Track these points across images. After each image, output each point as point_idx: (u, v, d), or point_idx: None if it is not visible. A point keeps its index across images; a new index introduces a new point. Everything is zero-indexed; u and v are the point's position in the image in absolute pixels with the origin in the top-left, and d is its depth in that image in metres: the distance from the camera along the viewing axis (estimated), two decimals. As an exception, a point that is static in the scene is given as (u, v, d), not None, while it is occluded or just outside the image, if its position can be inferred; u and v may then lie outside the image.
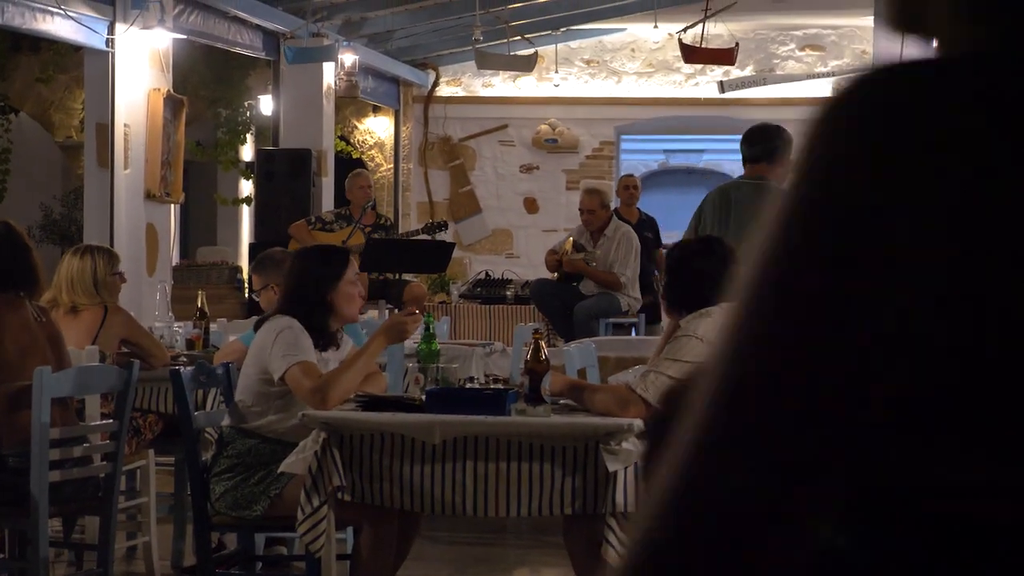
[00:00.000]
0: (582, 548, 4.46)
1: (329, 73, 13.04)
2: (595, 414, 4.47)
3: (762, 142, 6.47)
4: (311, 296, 4.99)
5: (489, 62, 12.56)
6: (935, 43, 0.94)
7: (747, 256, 0.90)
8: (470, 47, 14.15)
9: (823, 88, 15.07)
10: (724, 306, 3.78)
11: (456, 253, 12.47)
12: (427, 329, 5.40)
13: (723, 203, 6.52)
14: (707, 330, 4.53)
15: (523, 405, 4.49)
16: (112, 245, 9.72)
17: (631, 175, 12.64)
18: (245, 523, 4.89)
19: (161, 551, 6.09)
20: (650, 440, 1.26)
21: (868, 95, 0.90)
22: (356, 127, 15.96)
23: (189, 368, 5.09)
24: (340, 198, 13.04)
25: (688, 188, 17.77)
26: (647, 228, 11.49)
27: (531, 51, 12.89)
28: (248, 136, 15.04)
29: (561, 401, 4.74)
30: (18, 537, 5.31)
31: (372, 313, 9.98)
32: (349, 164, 14.92)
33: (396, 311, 10.28)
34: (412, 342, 7.10)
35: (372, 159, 15.88)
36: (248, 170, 14.84)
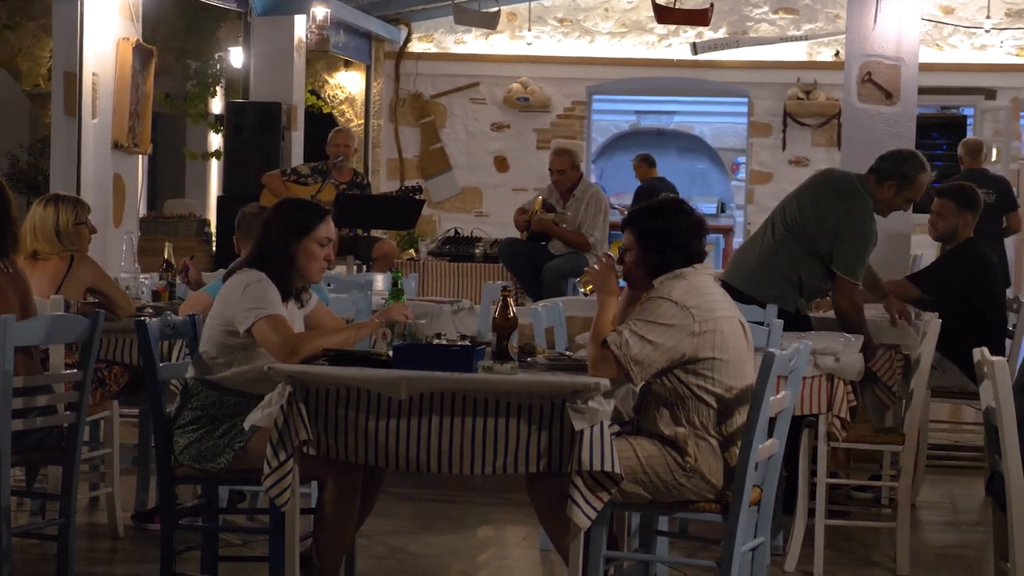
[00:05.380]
0: (546, 502, 4.47)
1: (300, 26, 12.95)
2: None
3: (885, 160, 6.80)
4: (276, 246, 4.95)
5: (464, 18, 12.50)
6: None
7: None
8: (443, 3, 14.08)
9: (796, 51, 15.08)
10: (698, 267, 3.84)
11: (425, 210, 12.45)
12: (395, 285, 5.38)
13: (817, 180, 6.86)
14: (681, 293, 4.50)
15: (490, 362, 4.48)
16: (79, 195, 9.66)
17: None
18: (209, 475, 4.87)
19: (124, 502, 6.09)
20: None
21: None
22: (327, 82, 15.87)
23: (155, 319, 5.06)
24: (309, 152, 12.99)
25: (658, 149, 17.74)
26: None
27: (495, 9, 12.84)
28: (218, 89, 14.93)
29: (529, 359, 4.73)
30: (-20, 486, 5.29)
31: (340, 269, 9.96)
32: (319, 119, 14.85)
33: (365, 268, 10.27)
34: (380, 298, 7.10)
35: (342, 114, 15.80)
36: (217, 123, 14.75)
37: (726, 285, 6.24)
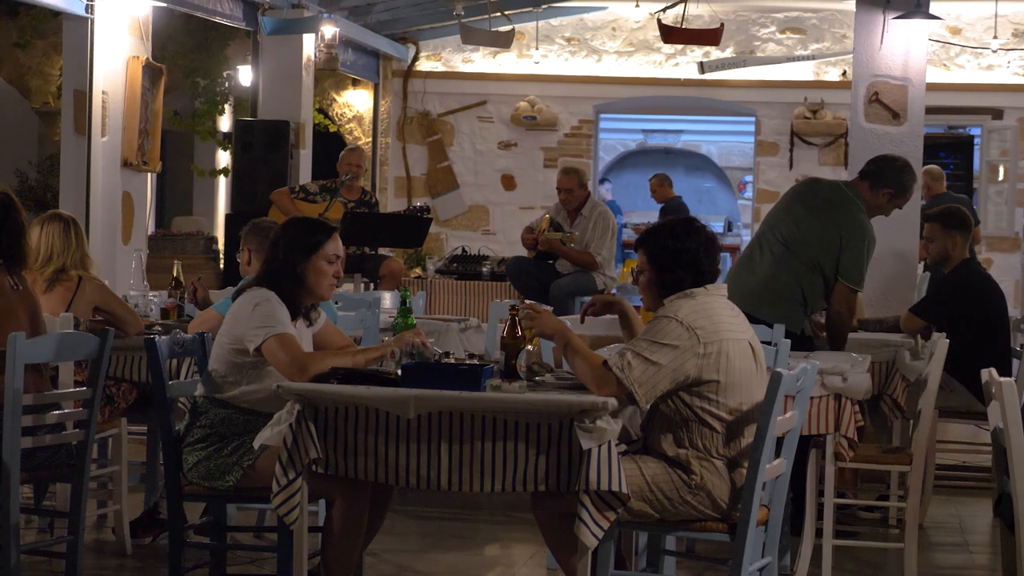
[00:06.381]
0: (551, 520, 4.47)
1: (309, 45, 12.99)
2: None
3: (875, 164, 6.83)
4: (285, 265, 4.96)
5: (473, 37, 12.52)
6: None
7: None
8: (451, 22, 14.11)
9: (803, 71, 15.10)
10: (709, 288, 3.88)
11: (433, 228, 12.47)
12: (403, 303, 5.40)
13: (804, 192, 6.84)
14: (688, 313, 4.50)
15: (498, 381, 4.49)
16: (88, 213, 9.69)
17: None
18: (217, 493, 4.88)
19: (131, 519, 6.09)
20: None
21: None
22: (335, 100, 15.91)
23: (164, 337, 5.08)
24: (317, 171, 13.01)
25: (666, 168, 17.78)
26: None
27: (509, 28, 12.86)
28: (226, 107, 14.97)
29: (536, 378, 4.74)
30: (-11, 503, 5.29)
31: (348, 286, 9.97)
32: (327, 137, 14.89)
33: (372, 286, 10.28)
34: (388, 316, 7.11)
35: (350, 132, 15.83)
36: (226, 141, 14.78)
37: None
